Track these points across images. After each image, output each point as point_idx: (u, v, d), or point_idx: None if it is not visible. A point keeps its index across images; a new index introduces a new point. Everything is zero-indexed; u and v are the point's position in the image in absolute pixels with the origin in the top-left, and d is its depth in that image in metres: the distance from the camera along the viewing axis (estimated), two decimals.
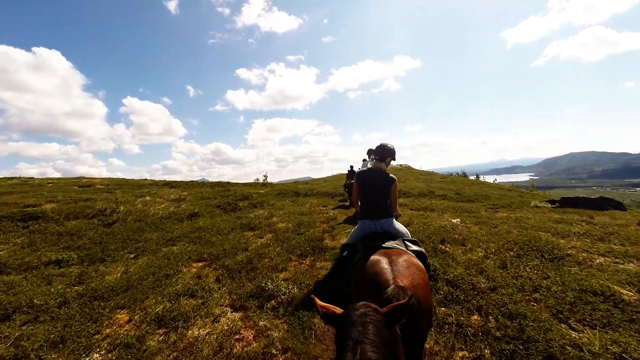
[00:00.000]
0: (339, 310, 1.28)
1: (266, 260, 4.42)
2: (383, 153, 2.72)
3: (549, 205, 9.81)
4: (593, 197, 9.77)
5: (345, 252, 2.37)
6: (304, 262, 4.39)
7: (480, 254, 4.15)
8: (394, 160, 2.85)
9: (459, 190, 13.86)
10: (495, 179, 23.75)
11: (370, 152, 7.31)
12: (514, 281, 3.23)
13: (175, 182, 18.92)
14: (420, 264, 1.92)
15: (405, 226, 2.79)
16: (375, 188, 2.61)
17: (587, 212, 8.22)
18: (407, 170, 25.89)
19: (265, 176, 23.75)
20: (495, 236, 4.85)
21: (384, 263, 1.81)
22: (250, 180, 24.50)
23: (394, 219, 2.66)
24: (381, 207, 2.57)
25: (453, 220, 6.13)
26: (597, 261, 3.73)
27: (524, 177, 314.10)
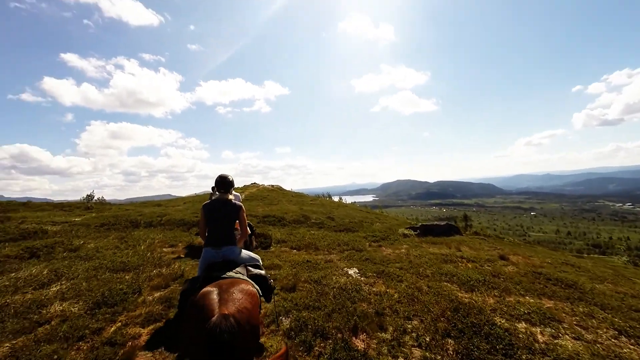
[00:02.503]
0: None
1: None
2: (227, 185, 2.78)
3: (413, 232, 10.38)
4: (442, 224, 11.02)
5: (187, 285, 2.24)
6: None
7: (416, 352, 2.63)
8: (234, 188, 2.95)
9: (329, 213, 13.45)
10: (355, 202, 28.04)
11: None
12: None
13: None
14: (252, 288, 1.94)
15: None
16: (220, 217, 2.65)
17: (446, 241, 8.82)
18: (278, 191, 24.65)
19: (90, 195, 16.74)
20: (414, 303, 3.57)
21: (214, 294, 1.79)
22: (81, 197, 16.89)
23: (237, 247, 2.66)
24: (224, 236, 2.61)
25: (350, 272, 4.65)
26: (541, 340, 2.91)
27: (369, 198, 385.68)
